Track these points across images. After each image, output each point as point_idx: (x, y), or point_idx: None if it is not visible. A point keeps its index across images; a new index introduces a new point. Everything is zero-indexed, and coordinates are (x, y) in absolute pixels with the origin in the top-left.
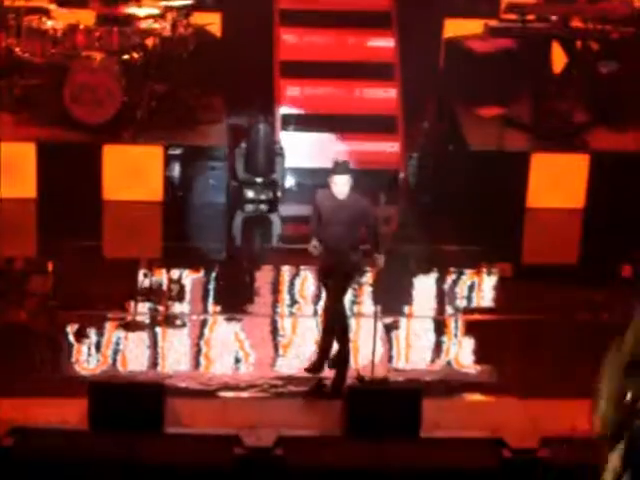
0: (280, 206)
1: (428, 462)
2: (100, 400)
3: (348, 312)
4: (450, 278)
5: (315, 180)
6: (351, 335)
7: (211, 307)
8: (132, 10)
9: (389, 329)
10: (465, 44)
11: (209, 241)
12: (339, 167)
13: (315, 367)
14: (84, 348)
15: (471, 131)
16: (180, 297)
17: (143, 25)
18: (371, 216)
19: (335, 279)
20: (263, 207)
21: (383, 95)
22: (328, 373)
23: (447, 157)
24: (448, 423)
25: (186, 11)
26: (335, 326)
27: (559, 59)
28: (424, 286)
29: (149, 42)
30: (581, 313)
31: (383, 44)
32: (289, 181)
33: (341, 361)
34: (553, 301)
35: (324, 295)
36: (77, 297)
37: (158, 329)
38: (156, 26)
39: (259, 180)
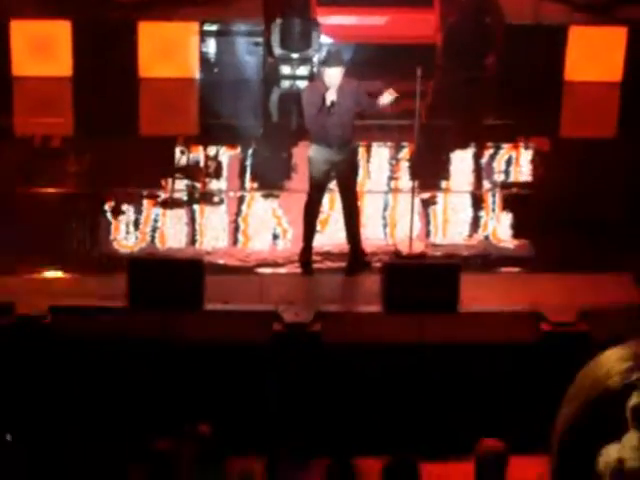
0: None
1: (467, 336)
2: (139, 277)
3: (386, 188)
4: (487, 152)
5: (350, 56)
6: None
7: (248, 184)
8: None
9: (426, 204)
10: None
11: (245, 118)
12: (332, 59)
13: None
14: (123, 226)
15: (508, 3)
16: (217, 174)
17: None
18: (364, 94)
19: (344, 172)
20: (299, 83)
21: None
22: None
23: (483, 30)
24: (486, 297)
25: None
26: (353, 212)
27: None
28: (461, 161)
29: None
30: (619, 186)
31: None
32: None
33: (356, 237)
34: (591, 175)
35: (334, 184)
36: (114, 175)
37: (196, 206)
38: None
39: (295, 56)
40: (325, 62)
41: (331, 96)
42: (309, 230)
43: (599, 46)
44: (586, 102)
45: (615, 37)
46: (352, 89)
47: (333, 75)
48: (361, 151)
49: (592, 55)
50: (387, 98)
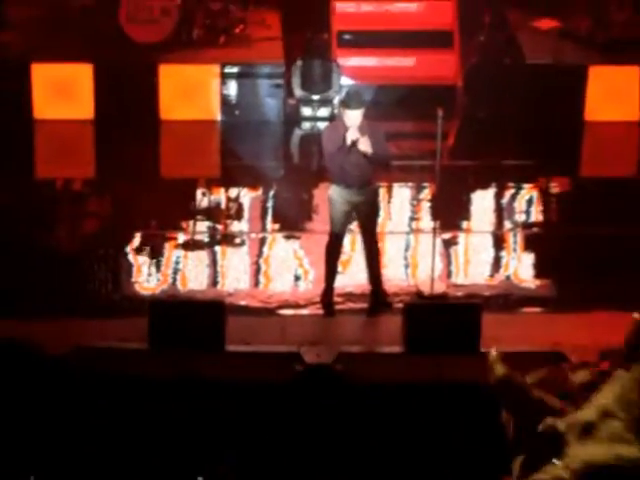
0: None
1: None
2: (160, 319)
3: (407, 228)
4: (508, 193)
5: (371, 97)
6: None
7: (270, 225)
8: None
9: (448, 244)
10: None
11: (266, 159)
12: (352, 101)
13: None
14: (144, 267)
15: (528, 44)
16: (239, 215)
17: None
18: (383, 140)
19: (364, 213)
20: (320, 124)
21: (439, 9)
22: (388, 289)
23: (504, 70)
24: (508, 337)
25: None
26: (374, 253)
27: None
28: (482, 201)
29: None
30: None
31: None
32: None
33: (378, 278)
34: (613, 215)
35: (356, 226)
36: (136, 217)
37: (217, 248)
38: None
39: (315, 97)
40: (345, 103)
41: (351, 136)
42: (331, 271)
43: (619, 85)
44: (606, 141)
45: (634, 76)
46: (373, 133)
47: (353, 116)
48: (382, 192)
49: (612, 95)
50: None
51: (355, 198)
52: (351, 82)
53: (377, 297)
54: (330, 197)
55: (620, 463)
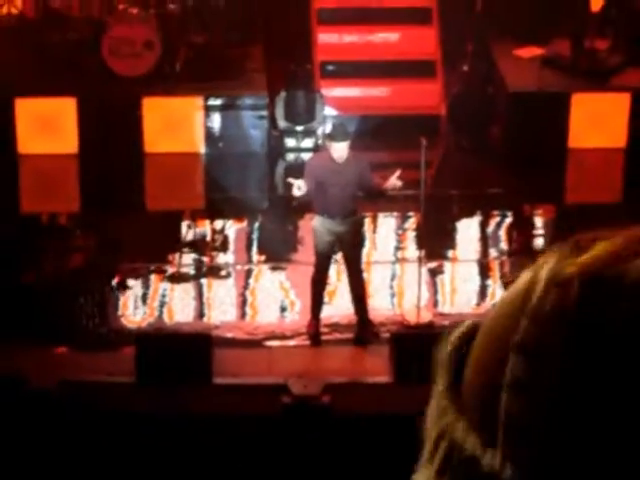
0: None
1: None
2: (147, 352)
3: (392, 257)
4: (493, 221)
5: (355, 127)
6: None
7: (255, 257)
8: None
9: (434, 273)
10: None
11: (251, 191)
12: (338, 134)
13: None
14: (130, 301)
15: (510, 72)
16: (224, 247)
17: None
18: (369, 174)
19: (348, 243)
20: (304, 155)
21: (421, 39)
22: (373, 318)
23: (487, 99)
24: None
25: None
26: (359, 283)
27: None
28: (467, 230)
29: None
30: None
31: None
32: (329, 129)
33: (364, 308)
34: None
35: (340, 259)
36: (121, 251)
37: (203, 280)
38: None
39: (299, 128)
40: (331, 136)
41: (334, 167)
42: (317, 301)
43: (602, 112)
44: (590, 168)
45: (618, 103)
46: (358, 164)
47: (340, 149)
48: (367, 222)
49: (595, 121)
50: (392, 185)
51: (338, 228)
52: (335, 113)
53: (364, 327)
54: (314, 228)
55: None
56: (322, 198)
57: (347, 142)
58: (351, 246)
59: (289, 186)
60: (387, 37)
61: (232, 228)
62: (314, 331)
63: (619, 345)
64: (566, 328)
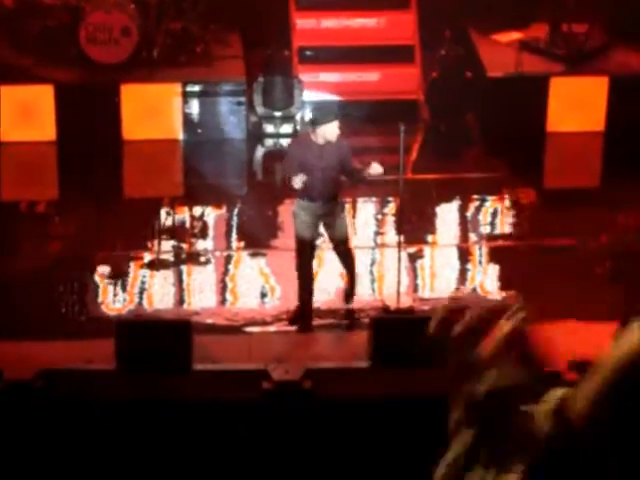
0: None
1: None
2: (127, 339)
3: (372, 243)
4: (472, 205)
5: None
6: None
7: (235, 243)
8: None
9: (413, 258)
10: None
11: (230, 177)
12: (327, 114)
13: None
14: (110, 288)
15: (488, 57)
16: (203, 234)
17: None
18: (349, 159)
19: (332, 226)
20: (283, 141)
21: (399, 24)
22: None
23: (465, 83)
24: None
25: None
26: (350, 260)
27: None
28: (447, 214)
29: None
30: (604, 236)
31: None
32: (308, 114)
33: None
34: (576, 225)
35: (326, 237)
36: (100, 238)
37: (183, 267)
38: None
39: (278, 114)
40: (319, 119)
41: (316, 151)
42: (305, 286)
43: (581, 96)
44: (569, 152)
45: (596, 87)
46: (339, 148)
47: (331, 129)
48: (347, 207)
49: (574, 105)
50: (374, 170)
51: (320, 211)
52: (313, 98)
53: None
54: (295, 212)
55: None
56: (309, 181)
57: (337, 121)
58: (334, 226)
59: (268, 172)
60: (365, 22)
61: (211, 214)
62: (306, 314)
63: None
64: None
